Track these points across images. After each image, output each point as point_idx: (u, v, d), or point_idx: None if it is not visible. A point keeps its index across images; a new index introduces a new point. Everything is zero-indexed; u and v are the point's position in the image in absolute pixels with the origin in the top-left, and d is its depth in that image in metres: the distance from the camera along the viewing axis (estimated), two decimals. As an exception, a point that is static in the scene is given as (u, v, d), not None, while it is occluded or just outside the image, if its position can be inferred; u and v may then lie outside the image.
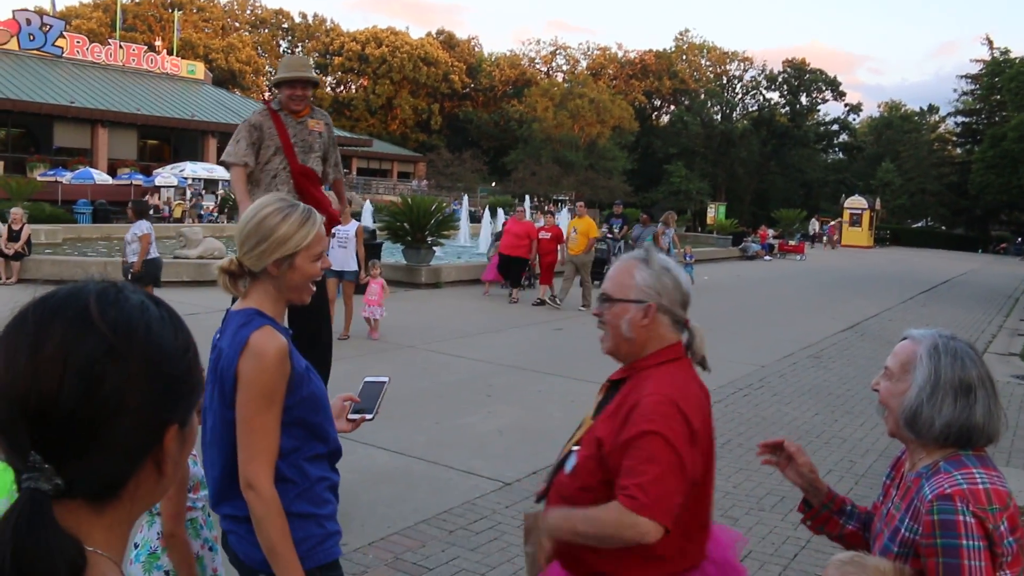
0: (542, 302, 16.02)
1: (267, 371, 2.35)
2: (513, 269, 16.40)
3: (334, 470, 2.60)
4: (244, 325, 2.41)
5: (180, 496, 2.93)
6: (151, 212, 34.89)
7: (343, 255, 11.35)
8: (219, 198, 36.02)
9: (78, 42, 45.57)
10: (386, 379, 2.87)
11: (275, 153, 6.23)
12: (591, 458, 2.39)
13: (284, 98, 6.28)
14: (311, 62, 7.34)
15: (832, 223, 53.95)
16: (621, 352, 2.53)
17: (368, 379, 2.85)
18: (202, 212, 34.16)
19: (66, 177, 34.32)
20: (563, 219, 34.66)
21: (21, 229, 15.70)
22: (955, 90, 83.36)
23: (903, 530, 2.13)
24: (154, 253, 12.38)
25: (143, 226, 12.01)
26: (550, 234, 16.65)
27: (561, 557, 2.42)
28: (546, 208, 23.76)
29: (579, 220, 16.85)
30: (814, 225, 53.58)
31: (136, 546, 3.16)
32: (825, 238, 51.47)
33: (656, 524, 2.19)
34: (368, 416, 2.74)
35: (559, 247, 16.56)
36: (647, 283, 2.45)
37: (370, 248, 15.95)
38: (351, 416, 2.74)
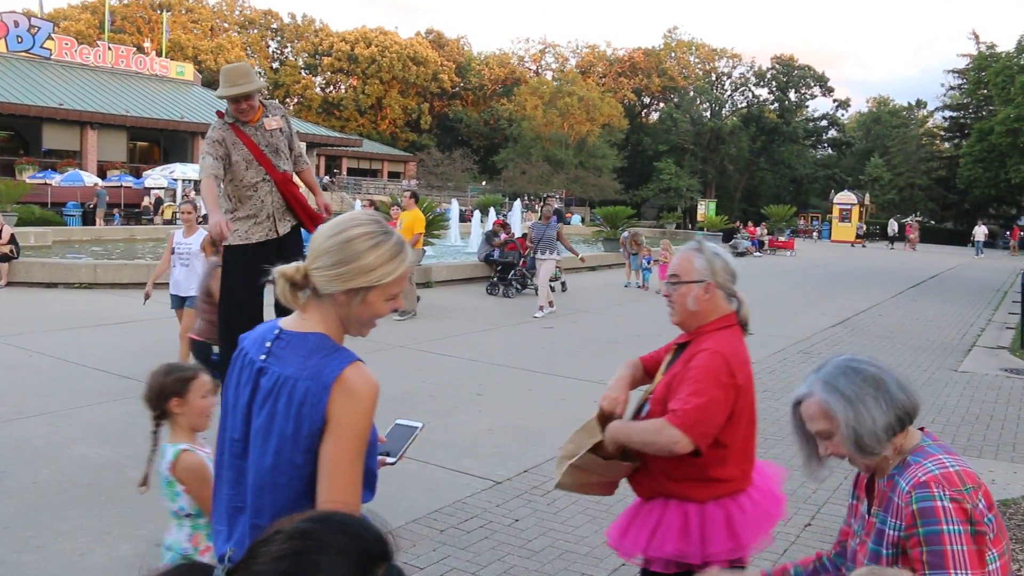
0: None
1: (366, 415, 2.10)
2: None
3: None
4: (327, 356, 2.13)
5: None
6: (143, 215, 34.98)
7: (186, 276, 9.10)
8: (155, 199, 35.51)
9: (66, 44, 45.42)
10: (419, 425, 2.72)
11: (247, 167, 6.11)
12: (659, 401, 3.01)
13: (233, 111, 6.13)
14: (250, 67, 6.87)
15: (908, 221, 52.41)
16: (688, 323, 3.10)
17: (400, 422, 2.69)
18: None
19: (55, 179, 34.24)
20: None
21: (1, 229, 15.54)
22: (942, 85, 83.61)
23: (888, 530, 2.14)
24: None
25: None
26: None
27: (639, 486, 3.11)
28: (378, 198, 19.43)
29: (405, 213, 14.72)
30: (893, 226, 52.16)
31: (168, 549, 3.27)
32: (907, 239, 49.70)
33: (685, 437, 2.81)
34: (391, 460, 2.59)
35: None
36: (704, 266, 3.05)
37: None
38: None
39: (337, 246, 2.14)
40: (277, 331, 2.23)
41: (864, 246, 49.37)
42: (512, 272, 17.94)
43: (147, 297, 9.56)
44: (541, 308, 15.07)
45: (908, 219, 53.51)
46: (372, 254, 2.14)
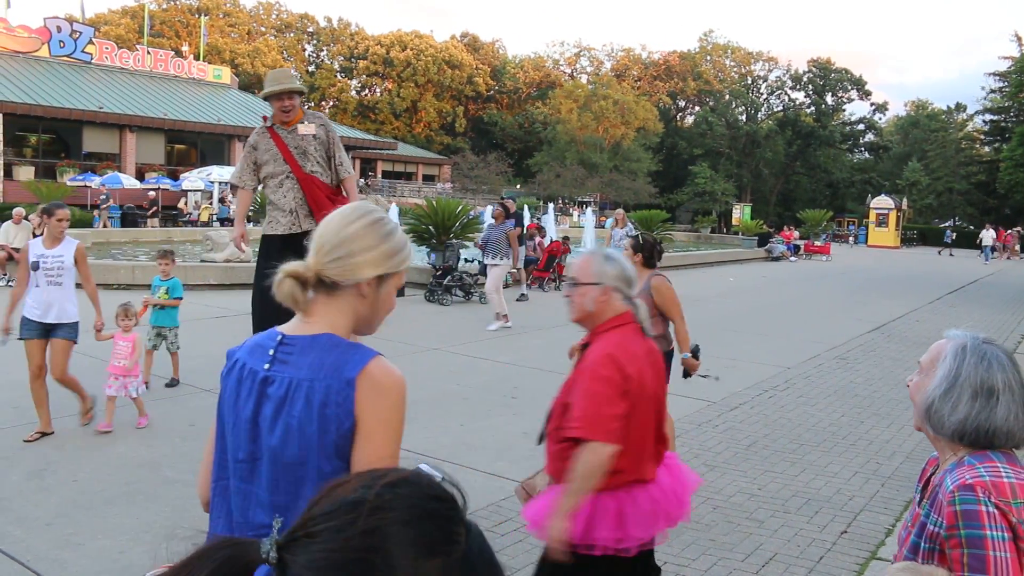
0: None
1: (399, 410, 1.96)
2: None
3: None
4: (345, 352, 1.97)
5: None
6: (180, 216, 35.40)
7: (55, 297, 6.97)
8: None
9: (107, 48, 46.01)
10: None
11: (275, 164, 6.63)
12: (560, 404, 3.30)
13: (275, 111, 6.66)
14: (293, 72, 7.28)
15: (1009, 232, 49.28)
16: (585, 321, 3.41)
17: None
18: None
19: (95, 182, 34.66)
20: (588, 220, 34.80)
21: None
22: (983, 88, 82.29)
23: (929, 524, 2.10)
24: None
25: None
26: None
27: (552, 471, 3.30)
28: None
29: None
30: (990, 234, 45.48)
31: None
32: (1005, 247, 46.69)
33: (599, 443, 3.04)
34: None
35: None
36: (601, 270, 3.34)
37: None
38: None
39: (362, 230, 2.02)
40: (279, 337, 2.04)
41: (952, 255, 47.39)
42: (449, 277, 16.47)
43: (7, 333, 7.02)
44: (501, 317, 13.39)
45: (1009, 231, 50.64)
46: (396, 236, 2.07)
